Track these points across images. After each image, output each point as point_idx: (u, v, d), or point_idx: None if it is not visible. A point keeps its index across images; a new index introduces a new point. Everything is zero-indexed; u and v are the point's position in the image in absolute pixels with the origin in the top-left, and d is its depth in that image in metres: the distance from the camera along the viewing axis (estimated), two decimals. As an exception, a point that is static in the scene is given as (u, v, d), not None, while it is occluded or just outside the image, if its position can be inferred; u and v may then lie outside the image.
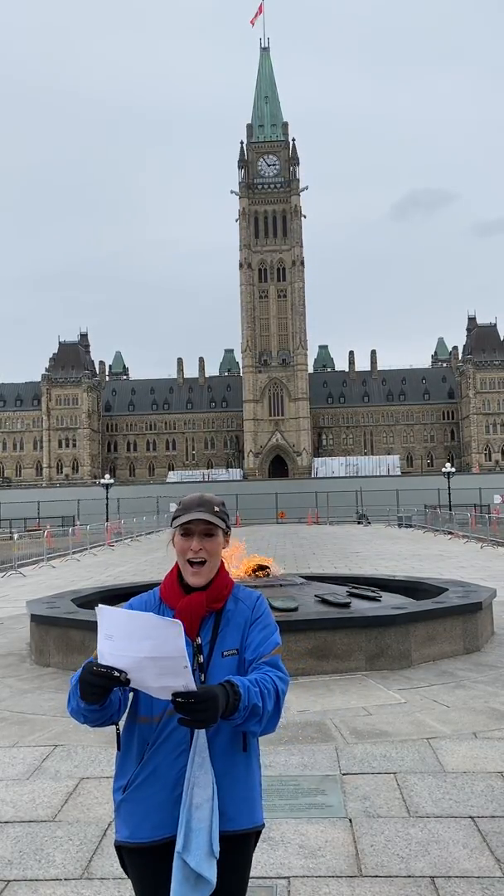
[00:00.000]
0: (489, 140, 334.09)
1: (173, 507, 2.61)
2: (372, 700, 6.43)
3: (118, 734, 2.32)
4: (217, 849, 2.15)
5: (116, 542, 34.54)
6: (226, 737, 2.27)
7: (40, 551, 24.69)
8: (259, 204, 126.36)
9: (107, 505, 52.38)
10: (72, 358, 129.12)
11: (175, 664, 2.04)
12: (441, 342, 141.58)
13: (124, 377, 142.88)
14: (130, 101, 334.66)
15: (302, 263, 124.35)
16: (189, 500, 2.46)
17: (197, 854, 2.13)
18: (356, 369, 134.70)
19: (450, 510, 44.01)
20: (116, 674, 2.05)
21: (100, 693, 2.10)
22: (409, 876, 3.62)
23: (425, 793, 4.54)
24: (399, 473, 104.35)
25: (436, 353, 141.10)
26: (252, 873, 2.45)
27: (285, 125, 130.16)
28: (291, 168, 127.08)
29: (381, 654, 7.47)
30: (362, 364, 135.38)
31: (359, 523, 48.52)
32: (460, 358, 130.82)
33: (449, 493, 51.88)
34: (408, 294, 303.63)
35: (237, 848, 2.27)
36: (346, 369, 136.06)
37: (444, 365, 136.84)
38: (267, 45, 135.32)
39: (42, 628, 8.40)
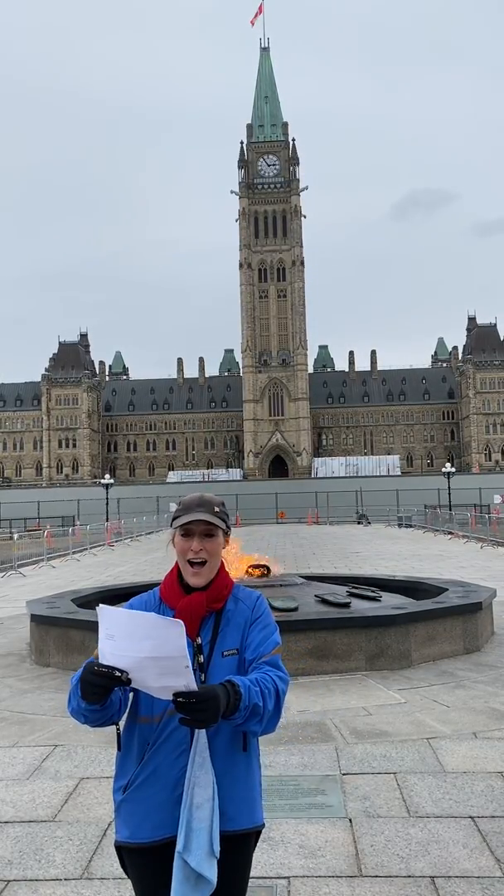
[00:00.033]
0: (489, 140, 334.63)
1: (173, 507, 2.61)
2: (372, 700, 6.43)
3: (118, 734, 2.32)
4: (217, 848, 2.15)
5: (116, 542, 34.53)
6: (226, 737, 2.27)
7: (40, 551, 24.69)
8: (259, 204, 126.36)
9: (107, 505, 52.38)
10: (72, 358, 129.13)
11: (176, 664, 2.04)
12: (441, 342, 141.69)
13: (124, 377, 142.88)
14: (130, 101, 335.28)
15: (302, 263, 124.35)
16: (189, 501, 2.46)
17: (198, 854, 2.13)
18: (356, 369, 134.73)
19: (450, 510, 44.00)
20: (118, 674, 2.05)
21: (101, 693, 2.10)
22: (409, 876, 3.62)
23: (425, 793, 4.54)
24: (399, 473, 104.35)
25: (436, 353, 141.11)
26: (252, 873, 2.45)
27: (285, 125, 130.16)
28: (291, 168, 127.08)
29: (381, 654, 7.47)
30: (362, 364, 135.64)
31: (359, 523, 48.51)
32: (460, 358, 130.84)
33: (449, 493, 51.87)
34: (408, 294, 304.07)
35: (237, 848, 2.27)
36: (346, 369, 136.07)
37: (444, 365, 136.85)
38: (267, 45, 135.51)
39: (42, 628, 8.41)
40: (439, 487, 54.34)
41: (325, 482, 69.53)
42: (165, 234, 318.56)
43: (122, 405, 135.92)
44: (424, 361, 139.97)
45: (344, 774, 4.83)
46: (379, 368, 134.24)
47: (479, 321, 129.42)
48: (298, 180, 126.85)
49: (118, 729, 2.31)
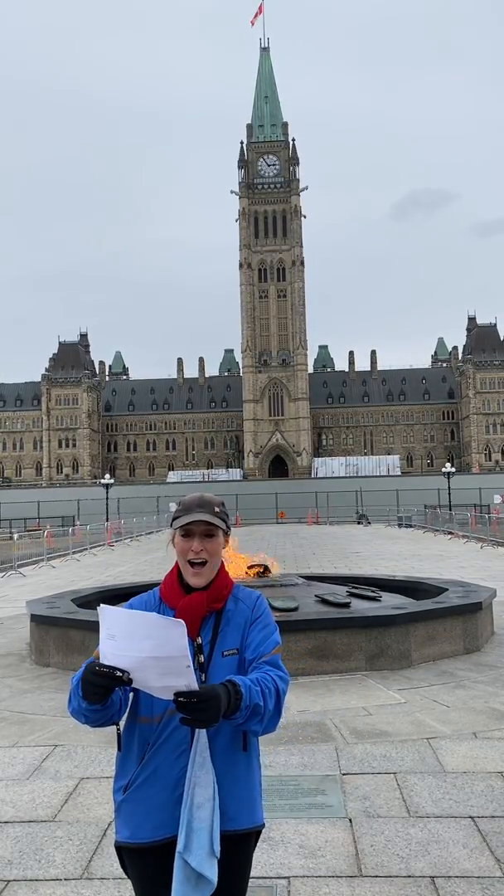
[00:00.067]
0: (489, 140, 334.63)
1: (173, 507, 2.61)
2: (372, 700, 6.43)
3: (119, 734, 2.32)
4: (218, 848, 2.15)
5: (116, 542, 34.53)
6: (226, 736, 2.28)
7: (40, 551, 24.69)
8: (259, 204, 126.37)
9: (107, 505, 52.38)
10: (72, 358, 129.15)
11: (177, 664, 2.04)
12: (441, 342, 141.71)
13: (124, 377, 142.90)
14: (130, 101, 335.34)
15: (302, 263, 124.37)
16: (189, 501, 2.46)
17: (198, 854, 2.13)
18: (356, 369, 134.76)
19: (450, 510, 43.99)
20: (119, 674, 2.06)
21: (102, 693, 2.10)
22: (409, 876, 3.62)
23: (425, 793, 4.54)
24: (399, 473, 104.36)
25: (436, 353, 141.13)
26: (252, 873, 2.45)
27: (285, 125, 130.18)
28: (291, 168, 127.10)
29: (381, 654, 7.48)
30: (362, 364, 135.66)
31: (359, 523, 48.50)
32: (460, 358, 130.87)
33: (449, 493, 51.87)
34: (408, 294, 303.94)
35: (238, 848, 2.27)
36: (346, 369, 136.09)
37: (444, 365, 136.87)
38: (267, 45, 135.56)
39: (42, 628, 8.41)
40: (439, 487, 54.34)
41: (325, 482, 69.52)
42: (165, 234, 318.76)
43: (122, 405, 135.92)
44: (424, 361, 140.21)
45: (344, 774, 4.83)
46: (379, 368, 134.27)
47: (479, 321, 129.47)
48: (298, 180, 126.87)
49: (118, 729, 2.31)
